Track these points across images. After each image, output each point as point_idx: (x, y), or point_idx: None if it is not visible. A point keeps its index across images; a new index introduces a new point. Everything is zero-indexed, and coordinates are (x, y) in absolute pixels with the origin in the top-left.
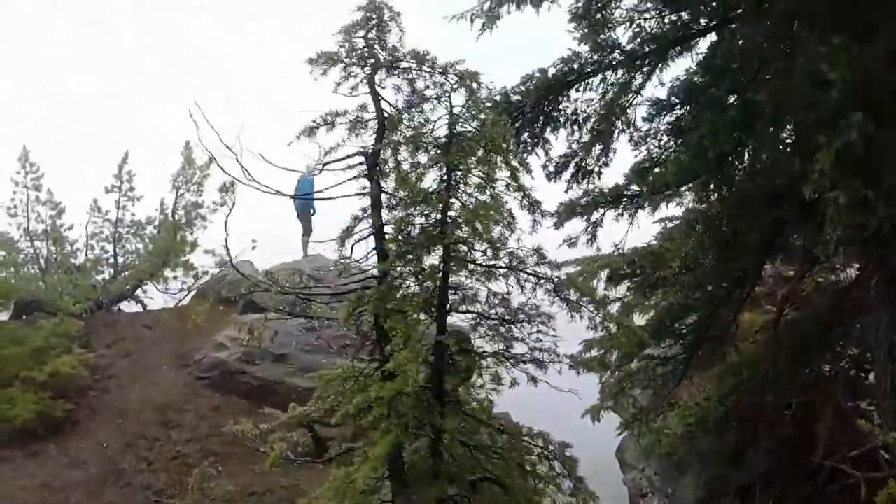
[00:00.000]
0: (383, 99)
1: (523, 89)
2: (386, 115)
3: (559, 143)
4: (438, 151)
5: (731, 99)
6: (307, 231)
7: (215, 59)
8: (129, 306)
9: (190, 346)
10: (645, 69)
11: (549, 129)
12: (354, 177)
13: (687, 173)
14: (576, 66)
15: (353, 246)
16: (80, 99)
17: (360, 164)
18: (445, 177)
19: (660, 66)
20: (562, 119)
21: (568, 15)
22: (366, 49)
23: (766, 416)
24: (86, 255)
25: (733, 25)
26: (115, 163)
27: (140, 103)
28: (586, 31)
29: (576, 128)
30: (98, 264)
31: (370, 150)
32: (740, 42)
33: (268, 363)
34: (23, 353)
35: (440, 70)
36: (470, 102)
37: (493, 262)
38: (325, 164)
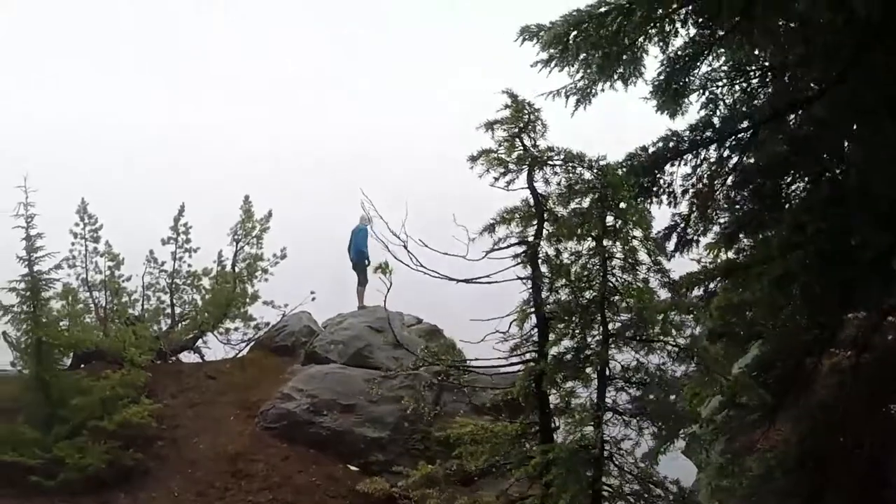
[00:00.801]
0: (540, 193)
1: (628, 166)
2: (544, 207)
3: (659, 214)
4: (592, 239)
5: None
6: (363, 282)
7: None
8: (186, 356)
9: (254, 397)
10: (737, 146)
11: (649, 202)
12: (517, 263)
13: (788, 246)
14: (671, 145)
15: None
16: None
17: (523, 252)
18: (600, 263)
19: (751, 144)
20: (660, 192)
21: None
22: (522, 149)
23: (842, 457)
24: (142, 305)
25: (819, 102)
26: (172, 215)
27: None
28: (664, 101)
29: (673, 199)
30: (158, 315)
31: (531, 240)
32: (825, 117)
33: (336, 413)
34: (90, 403)
35: (587, 165)
36: (612, 194)
37: (645, 336)
38: (489, 251)
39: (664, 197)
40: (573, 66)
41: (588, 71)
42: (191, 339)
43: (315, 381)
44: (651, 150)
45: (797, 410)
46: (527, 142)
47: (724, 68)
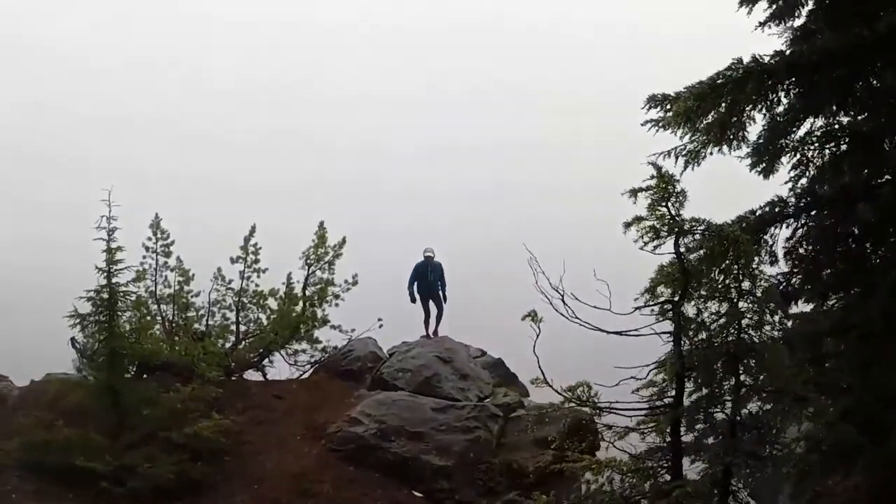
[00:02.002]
0: (685, 257)
1: (739, 227)
2: (688, 270)
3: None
4: (728, 301)
5: None
6: (440, 314)
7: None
8: (248, 374)
9: (321, 418)
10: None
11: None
12: (661, 320)
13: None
14: (777, 210)
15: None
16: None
17: (669, 309)
18: (736, 322)
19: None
20: (763, 252)
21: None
22: (670, 218)
23: None
24: (207, 321)
25: None
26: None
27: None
28: (760, 161)
29: (774, 258)
30: (225, 332)
31: (676, 300)
32: None
33: (404, 440)
34: (160, 414)
35: (725, 236)
36: (745, 261)
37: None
38: (641, 307)
39: (766, 256)
40: (683, 128)
41: (701, 136)
42: (258, 358)
43: (384, 406)
44: (758, 213)
45: (873, 459)
46: (672, 210)
47: (817, 133)
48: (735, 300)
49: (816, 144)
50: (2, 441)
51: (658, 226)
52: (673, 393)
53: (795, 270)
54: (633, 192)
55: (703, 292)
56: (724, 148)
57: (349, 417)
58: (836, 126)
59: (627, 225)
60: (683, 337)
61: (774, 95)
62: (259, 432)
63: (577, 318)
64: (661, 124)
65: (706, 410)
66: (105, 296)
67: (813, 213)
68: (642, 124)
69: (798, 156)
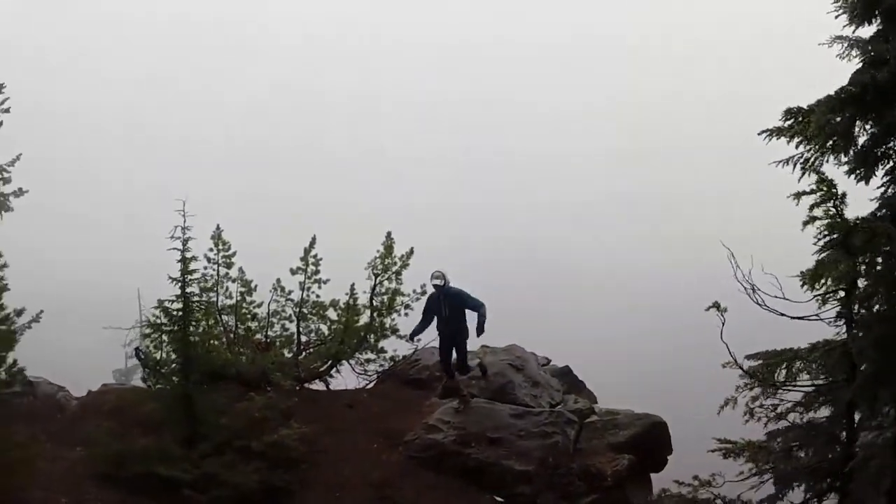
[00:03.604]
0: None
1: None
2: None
3: None
4: None
5: None
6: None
7: None
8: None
9: (395, 426)
10: None
11: None
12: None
13: None
14: None
15: None
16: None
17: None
18: None
19: None
20: None
21: None
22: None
23: None
24: (266, 332)
25: None
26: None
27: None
28: (860, 167)
29: None
30: (289, 343)
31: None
32: None
33: (484, 446)
34: (235, 424)
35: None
36: None
37: None
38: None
39: None
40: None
41: (818, 146)
42: (326, 368)
43: (461, 414)
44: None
45: None
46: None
47: None
48: None
49: None
50: (67, 450)
51: (829, 224)
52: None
53: None
54: (797, 196)
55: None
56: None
57: (426, 425)
58: None
59: (805, 223)
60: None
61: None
62: (334, 441)
63: (765, 305)
64: (775, 134)
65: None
66: (179, 305)
67: None
68: (759, 133)
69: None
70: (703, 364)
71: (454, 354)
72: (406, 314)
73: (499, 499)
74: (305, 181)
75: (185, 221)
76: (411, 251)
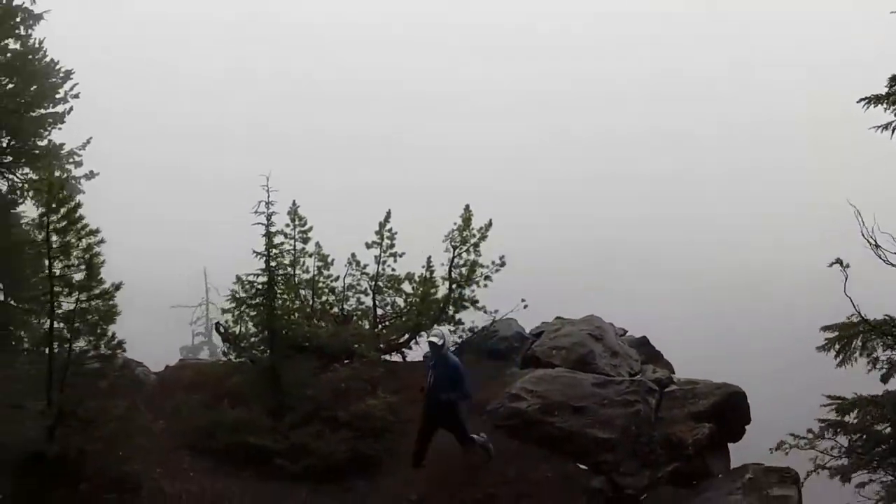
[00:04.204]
0: None
1: None
2: None
3: None
4: None
5: None
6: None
7: None
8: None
9: (479, 396)
10: None
11: None
12: None
13: None
14: None
15: None
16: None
17: None
18: None
19: None
20: None
21: None
22: None
23: None
24: (341, 306)
25: None
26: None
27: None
28: None
29: None
30: (366, 316)
31: None
32: None
33: (567, 414)
34: (320, 395)
35: None
36: None
37: None
38: None
39: None
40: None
41: None
42: (405, 340)
43: (544, 382)
44: None
45: None
46: None
47: None
48: None
49: None
50: (151, 422)
51: None
52: None
53: None
54: None
55: None
56: None
57: (510, 394)
58: None
59: None
60: None
61: None
62: (418, 410)
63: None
64: (873, 102)
65: None
66: (264, 279)
67: None
68: (859, 101)
69: None
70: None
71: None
72: (485, 285)
73: (582, 466)
74: (390, 168)
75: (268, 196)
76: (489, 223)
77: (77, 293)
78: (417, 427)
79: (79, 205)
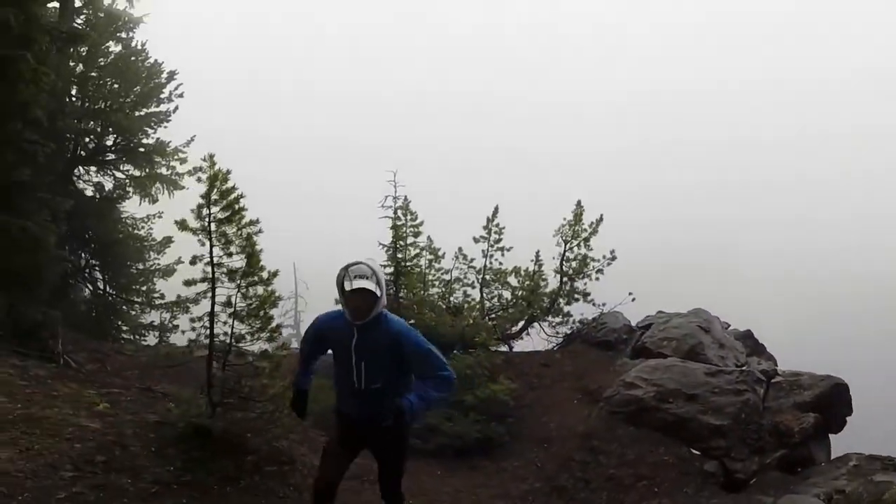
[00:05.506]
0: None
1: None
2: None
3: None
4: None
5: None
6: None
7: None
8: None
9: (591, 384)
10: None
11: None
12: None
13: None
14: None
15: None
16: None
17: None
18: None
19: None
20: None
21: None
22: None
23: None
24: (448, 298)
25: None
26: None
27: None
28: None
29: None
30: (472, 309)
31: None
32: None
33: (681, 402)
34: None
35: None
36: None
37: None
38: None
39: None
40: None
41: None
42: (518, 330)
43: (658, 372)
44: None
45: None
46: None
47: None
48: None
49: None
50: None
51: None
52: None
53: None
54: None
55: None
56: None
57: (625, 382)
58: None
59: None
60: None
61: None
62: (535, 397)
63: None
64: None
65: None
66: (391, 269)
67: None
68: None
69: None
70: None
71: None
72: (597, 278)
73: (695, 451)
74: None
75: (395, 191)
76: (601, 218)
77: (239, 279)
78: (327, 448)
79: (241, 195)
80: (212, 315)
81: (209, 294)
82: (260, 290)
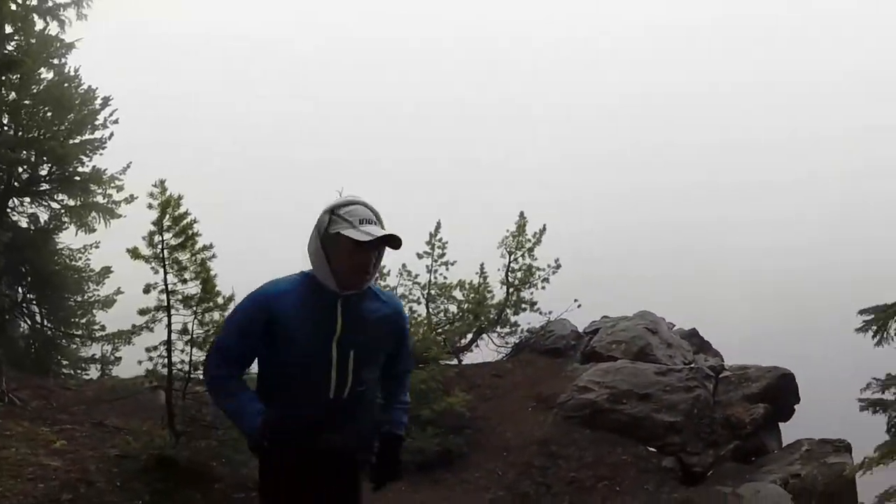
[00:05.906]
0: None
1: None
2: None
3: None
4: None
5: None
6: None
7: None
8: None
9: (545, 391)
10: None
11: None
12: None
13: None
14: None
15: None
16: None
17: None
18: None
19: None
20: None
21: None
22: None
23: None
24: None
25: None
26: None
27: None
28: None
29: None
30: (420, 324)
31: None
32: None
33: (634, 402)
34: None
35: None
36: None
37: None
38: None
39: None
40: None
41: None
42: (467, 343)
43: (610, 374)
44: None
45: None
46: None
47: None
48: None
49: None
50: None
51: None
52: None
53: None
54: None
55: None
56: None
57: (578, 386)
58: None
59: None
60: None
61: None
62: (490, 407)
63: None
64: None
65: None
66: None
67: None
68: None
69: None
70: None
71: None
72: (543, 287)
73: (652, 448)
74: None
75: None
76: (543, 228)
77: (195, 305)
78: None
79: (195, 220)
80: (168, 343)
81: (161, 322)
82: (216, 315)
